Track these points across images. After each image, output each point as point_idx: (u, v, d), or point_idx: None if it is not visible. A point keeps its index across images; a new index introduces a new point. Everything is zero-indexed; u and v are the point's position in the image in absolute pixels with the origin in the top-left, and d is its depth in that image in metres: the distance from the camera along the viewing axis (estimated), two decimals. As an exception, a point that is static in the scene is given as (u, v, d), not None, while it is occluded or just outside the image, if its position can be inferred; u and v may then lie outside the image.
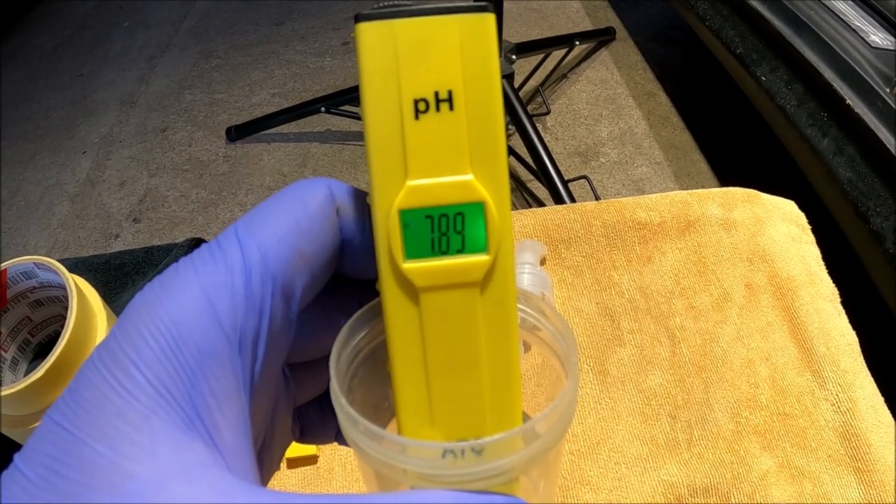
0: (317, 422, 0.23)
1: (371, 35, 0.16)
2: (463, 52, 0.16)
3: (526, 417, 0.19)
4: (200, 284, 0.16)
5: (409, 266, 0.17)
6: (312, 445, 0.44)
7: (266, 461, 0.20)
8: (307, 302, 0.19)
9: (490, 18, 0.17)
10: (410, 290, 0.17)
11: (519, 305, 0.20)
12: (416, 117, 0.16)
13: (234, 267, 0.17)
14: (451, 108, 0.16)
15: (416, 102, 0.16)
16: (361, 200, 0.19)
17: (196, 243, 0.53)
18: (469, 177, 0.17)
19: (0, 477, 0.15)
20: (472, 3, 0.16)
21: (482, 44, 0.16)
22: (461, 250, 0.17)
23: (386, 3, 0.17)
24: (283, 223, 0.18)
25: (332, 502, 0.15)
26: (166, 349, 0.16)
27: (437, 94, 0.16)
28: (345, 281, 0.20)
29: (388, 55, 0.16)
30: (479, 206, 0.17)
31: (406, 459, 0.17)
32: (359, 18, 0.17)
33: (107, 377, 0.15)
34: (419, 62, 0.16)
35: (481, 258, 0.17)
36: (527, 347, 0.34)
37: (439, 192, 0.17)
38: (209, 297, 0.16)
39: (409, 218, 0.17)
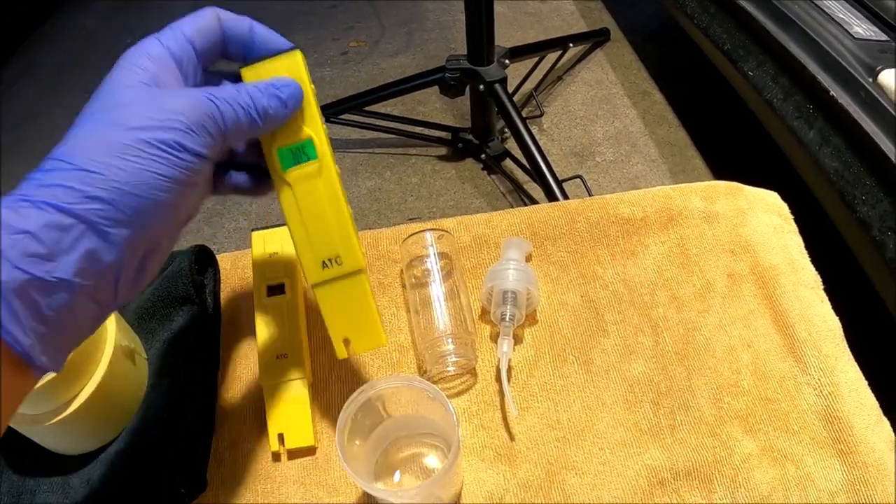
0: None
1: (248, 75, 0.39)
2: (288, 74, 0.38)
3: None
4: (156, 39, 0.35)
5: (287, 172, 0.38)
6: (311, 438, 0.47)
7: None
8: (207, 62, 0.37)
9: (297, 54, 0.38)
10: (287, 184, 0.38)
11: (425, 387, 0.41)
12: None
13: (180, 37, 0.36)
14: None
15: None
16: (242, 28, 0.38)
17: (201, 249, 0.55)
18: (308, 132, 0.38)
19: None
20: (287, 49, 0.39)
21: (295, 69, 0.38)
22: (308, 160, 0.38)
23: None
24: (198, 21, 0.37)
25: None
26: (143, 59, 0.34)
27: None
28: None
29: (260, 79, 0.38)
30: (311, 140, 0.38)
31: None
32: (242, 66, 0.38)
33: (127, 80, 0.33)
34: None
35: (316, 162, 0.38)
36: (517, 341, 0.53)
37: (298, 137, 0.38)
38: (157, 39, 0.35)
39: (282, 152, 0.38)
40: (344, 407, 0.40)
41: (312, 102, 0.38)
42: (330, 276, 0.39)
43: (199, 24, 0.36)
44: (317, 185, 0.38)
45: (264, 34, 0.38)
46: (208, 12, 0.37)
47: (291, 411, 0.47)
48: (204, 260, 0.55)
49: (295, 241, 0.39)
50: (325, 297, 0.40)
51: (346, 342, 0.41)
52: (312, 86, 0.38)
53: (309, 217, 0.38)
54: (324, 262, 0.39)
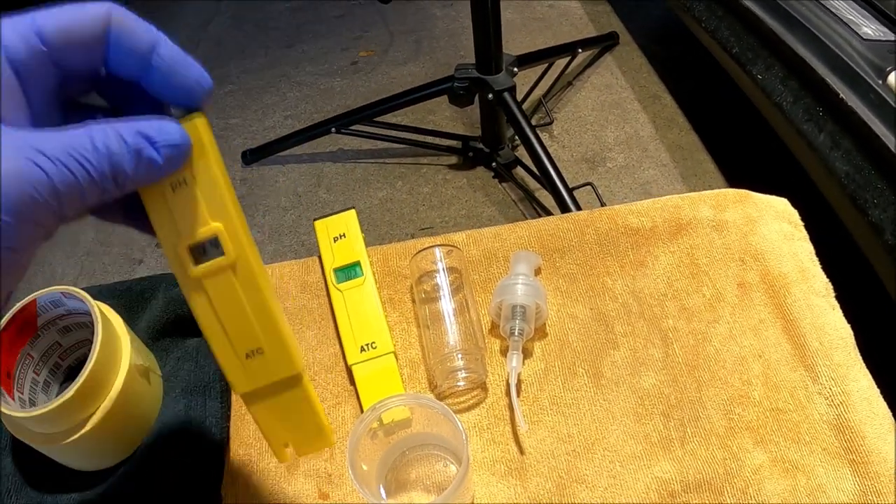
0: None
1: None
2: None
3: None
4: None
5: (194, 270, 0.30)
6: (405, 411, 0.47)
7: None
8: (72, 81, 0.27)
9: (197, 120, 0.30)
10: (198, 284, 0.30)
11: (432, 404, 0.40)
12: (174, 191, 0.30)
13: (29, 31, 0.24)
14: (187, 185, 0.29)
15: (171, 185, 0.30)
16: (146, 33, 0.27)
17: None
18: (214, 226, 0.30)
19: None
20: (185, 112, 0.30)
21: (194, 141, 0.29)
22: (214, 257, 0.30)
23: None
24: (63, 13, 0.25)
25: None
26: None
27: (178, 180, 0.29)
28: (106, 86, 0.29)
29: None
30: (216, 238, 0.30)
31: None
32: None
33: None
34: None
35: (223, 258, 0.30)
36: (527, 354, 0.52)
37: (201, 234, 0.30)
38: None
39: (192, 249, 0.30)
40: (354, 426, 0.40)
41: (220, 179, 0.30)
42: (260, 382, 0.32)
43: (67, 19, 0.25)
44: (232, 283, 0.31)
45: (172, 57, 0.27)
46: (96, 6, 0.25)
47: (385, 386, 0.50)
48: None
49: (214, 351, 0.32)
50: (259, 411, 0.33)
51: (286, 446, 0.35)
52: (217, 154, 0.30)
53: (227, 318, 0.31)
54: (249, 365, 0.32)
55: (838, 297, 0.54)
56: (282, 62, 2.02)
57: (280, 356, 0.32)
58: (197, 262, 0.30)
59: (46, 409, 0.41)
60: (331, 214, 0.58)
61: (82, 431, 0.44)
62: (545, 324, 0.53)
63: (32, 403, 0.47)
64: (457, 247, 0.55)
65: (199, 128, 0.29)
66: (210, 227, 0.30)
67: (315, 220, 0.58)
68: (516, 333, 0.49)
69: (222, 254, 0.30)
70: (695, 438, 0.47)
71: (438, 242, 0.56)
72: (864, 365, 0.50)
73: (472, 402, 0.50)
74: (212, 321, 0.31)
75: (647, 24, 1.89)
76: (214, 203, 0.29)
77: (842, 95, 0.85)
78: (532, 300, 0.50)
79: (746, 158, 1.48)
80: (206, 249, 0.30)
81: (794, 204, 0.61)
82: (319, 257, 0.58)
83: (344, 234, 0.56)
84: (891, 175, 0.78)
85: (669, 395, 0.49)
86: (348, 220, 0.57)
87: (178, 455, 0.47)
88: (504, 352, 0.52)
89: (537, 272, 0.56)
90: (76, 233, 1.65)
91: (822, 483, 0.45)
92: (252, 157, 1.69)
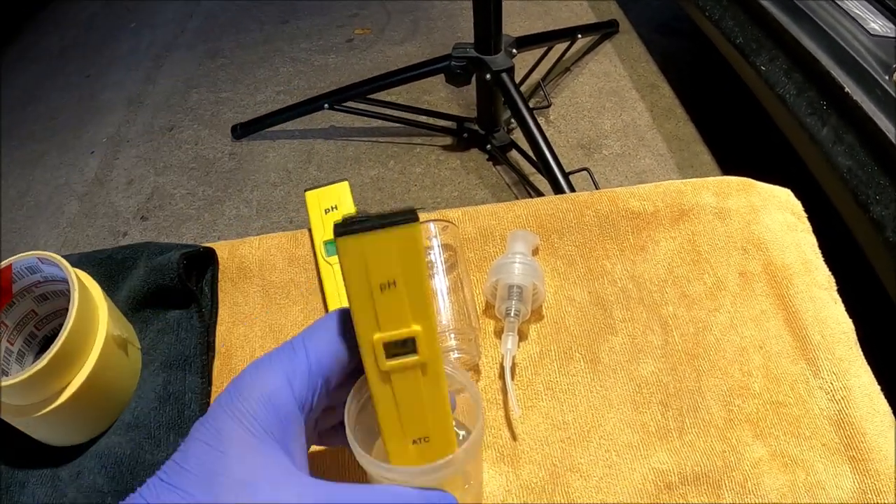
0: (332, 434, 0.38)
1: (348, 246, 0.29)
2: (399, 254, 0.29)
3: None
4: (282, 372, 0.31)
5: (386, 364, 0.31)
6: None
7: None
8: (339, 383, 0.33)
9: (416, 228, 0.29)
10: (385, 374, 0.31)
11: (452, 372, 0.35)
12: (381, 291, 0.30)
13: (302, 364, 0.31)
14: (395, 287, 0.30)
15: (380, 285, 0.30)
16: None
17: (203, 251, 0.54)
18: (409, 329, 0.30)
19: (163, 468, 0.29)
20: (405, 215, 0.29)
21: (411, 246, 0.29)
22: (408, 355, 0.31)
23: (351, 217, 0.29)
24: (331, 340, 0.32)
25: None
26: (269, 406, 0.30)
27: (388, 281, 0.29)
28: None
29: (360, 257, 0.29)
30: (414, 339, 0.31)
31: (386, 470, 0.32)
32: (337, 233, 0.29)
33: (233, 418, 0.29)
34: (380, 260, 0.29)
35: (416, 357, 0.31)
36: (522, 337, 0.52)
37: (397, 334, 0.31)
38: (289, 381, 0.31)
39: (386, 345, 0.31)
40: (350, 396, 0.35)
41: (426, 286, 0.31)
42: (420, 463, 0.33)
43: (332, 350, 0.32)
44: (417, 380, 0.32)
45: None
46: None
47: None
48: (203, 257, 0.54)
49: (383, 427, 0.33)
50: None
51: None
52: (424, 260, 0.31)
53: (405, 409, 0.32)
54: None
55: (838, 293, 0.53)
56: (276, 38, 1.98)
57: (443, 444, 0.33)
58: (389, 355, 0.31)
59: (17, 380, 0.39)
60: (323, 185, 0.55)
61: (55, 404, 0.42)
62: (542, 306, 0.52)
63: (6, 374, 0.44)
64: (453, 223, 0.53)
65: (416, 236, 0.29)
66: (410, 329, 0.30)
67: (306, 190, 0.55)
68: (512, 314, 0.47)
69: (415, 353, 0.31)
70: (693, 429, 0.46)
71: (434, 217, 0.54)
72: (864, 361, 0.49)
73: (463, 384, 0.49)
74: (390, 409, 0.32)
75: (647, 14, 1.87)
76: (417, 307, 0.30)
77: (847, 90, 0.84)
78: (529, 280, 0.49)
79: (743, 151, 1.47)
80: (399, 345, 0.31)
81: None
82: (309, 230, 0.56)
83: (336, 207, 0.54)
84: (894, 171, 0.77)
85: (668, 384, 0.48)
86: (341, 192, 0.55)
87: (156, 431, 0.45)
88: (498, 333, 0.50)
89: (535, 252, 0.54)
90: (60, 204, 1.61)
91: (822, 479, 0.44)
92: (242, 131, 1.65)
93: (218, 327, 0.52)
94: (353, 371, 0.33)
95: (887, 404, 0.47)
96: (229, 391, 0.30)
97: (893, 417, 0.46)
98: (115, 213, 1.57)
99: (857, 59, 0.86)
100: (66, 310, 0.42)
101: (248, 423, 0.29)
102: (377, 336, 0.30)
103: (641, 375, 0.48)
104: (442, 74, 1.40)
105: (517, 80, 1.38)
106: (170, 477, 0.28)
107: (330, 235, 0.53)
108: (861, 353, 0.50)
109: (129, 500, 0.28)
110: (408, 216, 0.29)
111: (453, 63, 1.35)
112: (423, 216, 0.55)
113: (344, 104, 1.51)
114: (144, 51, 2.02)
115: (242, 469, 0.28)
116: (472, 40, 1.33)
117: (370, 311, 0.30)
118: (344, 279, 0.29)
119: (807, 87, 0.93)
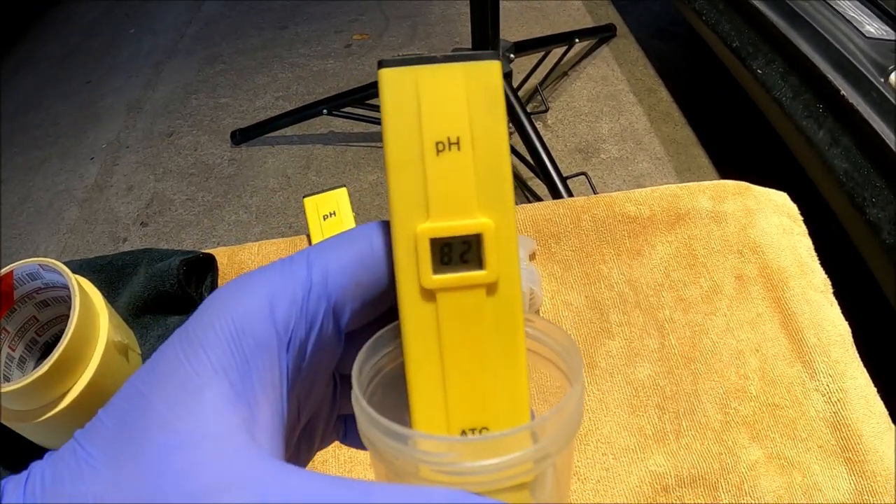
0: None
1: (394, 80, 0.19)
2: (469, 98, 0.19)
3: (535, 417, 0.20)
4: (265, 289, 0.20)
5: (431, 278, 0.19)
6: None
7: (304, 449, 0.24)
8: (358, 324, 0.21)
9: (495, 66, 0.19)
10: (428, 294, 0.19)
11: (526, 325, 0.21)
12: (437, 154, 0.19)
13: (298, 280, 0.20)
14: (459, 149, 0.19)
15: (437, 143, 0.19)
16: None
17: (202, 257, 0.54)
18: (475, 220, 0.19)
19: (85, 426, 0.19)
20: (479, 52, 0.19)
21: (488, 90, 0.19)
22: (466, 268, 0.19)
23: (403, 55, 0.19)
24: (349, 253, 0.20)
25: (359, 488, 0.17)
26: (228, 337, 0.19)
27: (448, 138, 0.19)
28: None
29: (410, 99, 0.19)
30: (480, 238, 0.19)
31: (419, 453, 0.18)
32: (382, 65, 0.19)
33: (179, 354, 0.19)
34: (439, 106, 0.19)
35: (482, 272, 0.19)
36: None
37: (454, 227, 0.19)
38: (270, 301, 0.19)
39: (434, 244, 0.19)
40: (366, 348, 0.22)
41: (506, 151, 0.19)
42: (464, 469, 0.19)
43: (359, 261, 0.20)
44: (481, 305, 0.19)
45: None
46: (385, 234, 0.21)
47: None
48: (203, 263, 0.55)
49: (411, 388, 0.20)
50: None
51: None
52: (505, 117, 0.20)
53: (453, 357, 0.19)
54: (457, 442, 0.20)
55: (834, 296, 0.53)
56: (275, 43, 1.99)
57: (510, 420, 0.20)
58: (439, 264, 0.19)
59: (19, 385, 0.39)
60: (321, 192, 0.56)
61: (56, 410, 0.42)
62: (539, 310, 0.52)
63: (7, 380, 0.45)
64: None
65: (495, 76, 0.19)
66: (476, 221, 0.19)
67: (305, 196, 0.56)
68: (510, 320, 0.48)
69: (480, 266, 0.19)
70: (690, 432, 0.46)
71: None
72: (861, 363, 0.50)
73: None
74: (427, 353, 0.19)
75: (644, 18, 1.88)
76: (491, 185, 0.19)
77: (843, 92, 0.84)
78: (526, 285, 0.49)
79: (741, 155, 1.47)
80: (456, 253, 0.19)
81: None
82: (308, 236, 0.56)
83: (334, 213, 0.55)
84: (890, 174, 0.77)
85: (665, 387, 0.48)
86: (339, 199, 0.55)
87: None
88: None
89: (532, 257, 0.55)
90: (60, 210, 1.61)
91: (818, 481, 0.44)
92: (241, 136, 1.66)
93: (217, 333, 0.53)
94: (385, 314, 0.22)
95: (883, 406, 0.48)
96: (193, 314, 0.20)
97: (890, 419, 0.47)
98: (115, 218, 1.57)
99: (853, 61, 0.87)
100: (67, 316, 0.42)
101: (193, 357, 0.19)
102: (422, 227, 0.19)
103: (638, 379, 0.48)
104: (440, 79, 1.41)
105: (515, 84, 1.39)
106: (84, 434, 0.19)
107: None
108: (857, 356, 0.50)
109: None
110: (485, 53, 0.19)
111: (451, 68, 1.35)
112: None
113: (343, 109, 1.52)
114: (144, 57, 2.03)
115: (164, 428, 0.18)
116: (469, 45, 1.34)
117: (417, 184, 0.19)
118: (384, 135, 0.19)
119: (803, 91, 0.93)
